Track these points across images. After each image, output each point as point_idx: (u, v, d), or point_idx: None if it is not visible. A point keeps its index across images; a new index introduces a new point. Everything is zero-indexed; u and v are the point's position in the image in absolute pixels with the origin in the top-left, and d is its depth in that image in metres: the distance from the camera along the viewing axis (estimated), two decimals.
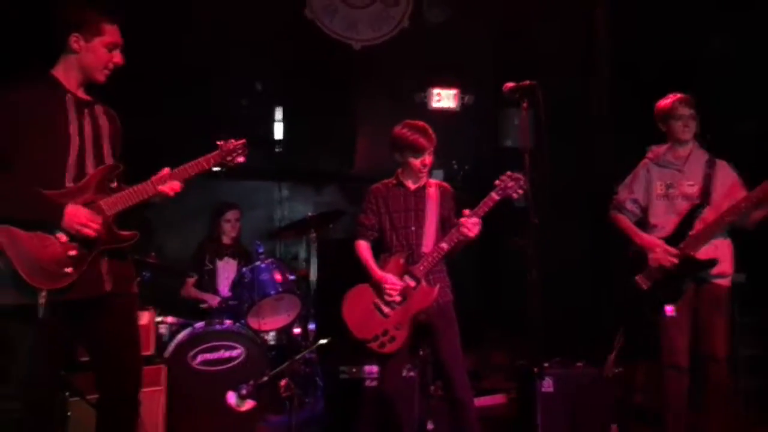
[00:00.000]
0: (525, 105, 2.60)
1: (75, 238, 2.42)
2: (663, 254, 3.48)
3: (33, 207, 2.40)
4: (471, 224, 3.16)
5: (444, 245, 3.24)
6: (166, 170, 2.64)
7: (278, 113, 5.69)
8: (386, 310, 3.25)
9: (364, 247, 3.40)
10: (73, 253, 2.41)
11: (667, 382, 3.52)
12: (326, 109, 5.58)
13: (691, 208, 3.51)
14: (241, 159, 2.72)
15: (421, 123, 3.37)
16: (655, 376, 3.96)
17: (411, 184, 3.40)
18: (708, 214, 3.48)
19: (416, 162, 3.31)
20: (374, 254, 3.41)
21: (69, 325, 2.50)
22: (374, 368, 3.85)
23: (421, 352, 3.42)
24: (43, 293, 2.32)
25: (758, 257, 4.02)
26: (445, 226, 3.36)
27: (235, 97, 5.49)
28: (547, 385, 3.78)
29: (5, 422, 2.41)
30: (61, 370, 2.67)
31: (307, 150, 5.68)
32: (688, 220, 3.50)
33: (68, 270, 2.39)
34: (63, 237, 2.41)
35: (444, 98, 5.77)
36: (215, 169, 2.75)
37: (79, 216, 2.42)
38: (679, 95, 3.59)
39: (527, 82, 2.60)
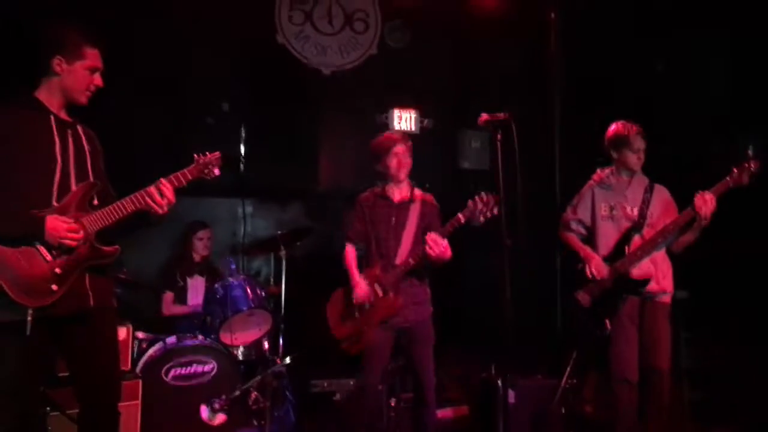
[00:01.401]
0: (499, 137, 2.77)
1: (59, 251, 2.48)
2: (596, 266, 3.68)
3: (16, 222, 2.45)
4: (432, 242, 3.31)
5: (410, 260, 3.44)
6: (151, 188, 2.69)
7: (243, 131, 5.77)
8: (356, 314, 3.47)
9: (350, 253, 3.62)
10: (58, 270, 2.48)
11: (618, 396, 3.66)
12: (290, 128, 5.67)
13: (628, 229, 3.70)
14: (216, 171, 2.81)
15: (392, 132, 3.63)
16: (604, 388, 4.20)
17: (395, 196, 3.57)
18: (647, 234, 3.67)
19: (392, 162, 3.51)
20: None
21: (52, 339, 2.56)
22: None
23: (389, 367, 3.62)
24: (30, 311, 2.38)
25: (699, 275, 4.29)
26: None
27: (202, 115, 5.55)
28: (510, 396, 3.97)
29: None
30: (45, 382, 2.71)
31: (271, 167, 5.75)
32: (624, 241, 3.69)
33: (54, 287, 2.46)
34: (47, 254, 2.47)
35: (404, 120, 5.98)
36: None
37: (58, 227, 2.48)
38: (635, 127, 3.72)
39: (502, 114, 2.78)
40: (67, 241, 2.49)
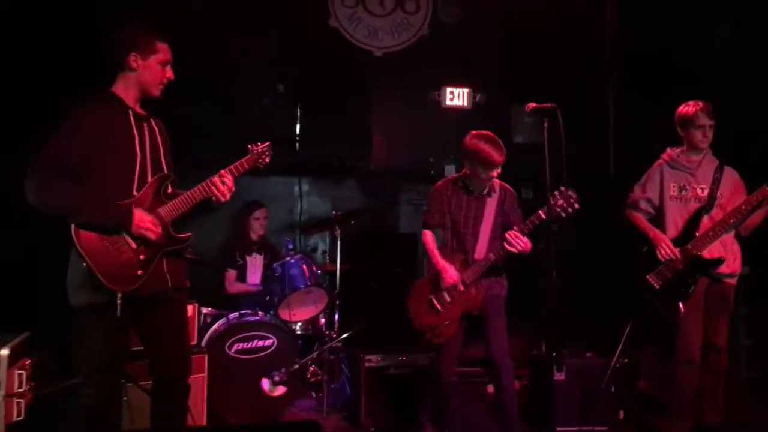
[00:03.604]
0: (546, 125, 2.80)
1: (141, 240, 2.70)
2: (667, 249, 3.68)
3: (109, 213, 2.66)
4: (514, 240, 3.33)
5: (491, 256, 3.48)
6: (215, 178, 2.87)
7: (298, 112, 5.90)
8: (438, 307, 3.54)
9: (429, 237, 3.66)
10: (142, 257, 2.70)
11: (681, 374, 3.71)
12: (344, 108, 5.76)
13: (697, 210, 3.70)
14: (267, 159, 2.99)
15: (491, 135, 3.46)
16: (659, 365, 4.21)
17: (475, 190, 3.57)
18: (716, 215, 3.67)
19: (485, 176, 3.46)
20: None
21: (133, 318, 2.78)
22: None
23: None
24: (120, 294, 2.60)
25: (759, 251, 4.24)
26: (509, 229, 3.47)
27: (258, 97, 5.70)
28: (559, 373, 4.03)
29: (80, 407, 2.69)
30: (126, 358, 2.93)
31: (325, 146, 5.88)
32: (694, 222, 3.69)
33: (139, 272, 2.69)
34: (132, 242, 2.68)
35: (456, 97, 5.99)
36: None
37: (144, 221, 2.70)
38: (701, 104, 3.70)
39: (548, 104, 2.81)
40: (150, 234, 2.70)
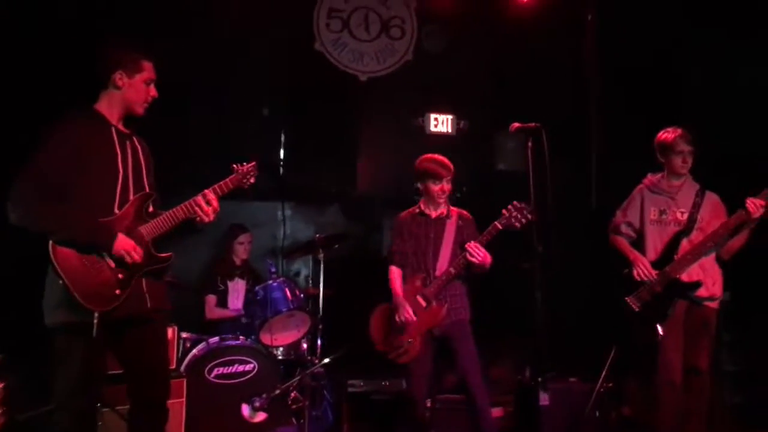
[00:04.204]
0: (529, 144, 2.83)
1: (120, 262, 2.65)
2: (644, 269, 3.69)
3: (91, 233, 2.62)
4: (473, 250, 3.48)
5: (451, 270, 3.57)
6: (198, 198, 2.84)
7: (282, 136, 5.91)
8: (401, 327, 3.58)
9: (394, 273, 3.75)
10: (121, 276, 2.65)
11: (663, 397, 3.70)
12: (328, 133, 5.77)
13: (677, 233, 3.72)
14: (252, 180, 2.97)
15: (438, 156, 3.72)
16: (644, 391, 4.19)
17: (432, 212, 3.73)
18: (695, 238, 3.69)
19: (435, 188, 3.65)
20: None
21: (109, 340, 2.71)
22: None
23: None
24: (96, 313, 2.54)
25: (741, 277, 4.25)
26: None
27: (242, 122, 5.69)
28: (543, 398, 4.00)
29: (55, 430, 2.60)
30: (102, 383, 2.85)
31: (309, 171, 5.87)
32: (673, 245, 3.71)
33: (117, 292, 2.63)
34: (111, 261, 2.64)
35: (441, 123, 6.03)
36: None
37: (126, 244, 2.65)
38: (680, 131, 3.76)
39: (533, 124, 2.84)
40: (128, 257, 2.65)
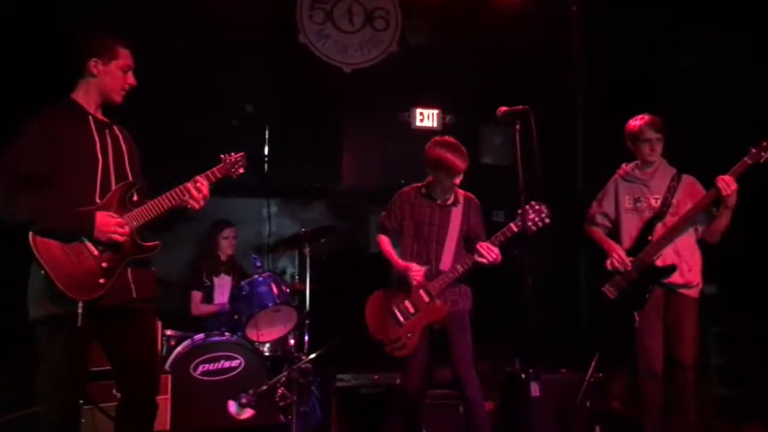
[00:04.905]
0: (517, 127, 2.80)
1: (106, 246, 2.58)
2: (618, 257, 3.66)
3: (68, 220, 2.55)
4: (486, 252, 3.33)
5: (459, 267, 3.43)
6: (188, 184, 2.77)
7: (266, 132, 5.85)
8: (400, 318, 3.46)
9: (385, 241, 3.60)
10: (105, 264, 2.58)
11: (645, 387, 3.67)
12: (313, 128, 5.73)
13: (649, 219, 3.69)
14: (241, 170, 2.91)
15: (454, 141, 3.45)
16: (633, 385, 4.17)
17: (439, 197, 3.53)
18: (670, 222, 3.65)
19: (449, 183, 3.44)
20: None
21: (95, 333, 2.64)
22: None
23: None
24: (80, 303, 2.47)
25: (728, 268, 4.24)
26: (471, 240, 3.50)
27: (227, 118, 5.63)
28: (534, 389, 3.97)
29: (38, 425, 2.53)
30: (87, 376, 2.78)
31: (294, 167, 5.82)
32: (647, 230, 3.68)
33: (101, 281, 2.56)
34: (94, 249, 2.57)
35: (426, 118, 6.01)
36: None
37: (108, 223, 2.58)
38: (646, 118, 3.74)
39: (520, 106, 2.81)
40: (116, 236, 2.58)
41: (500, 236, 3.35)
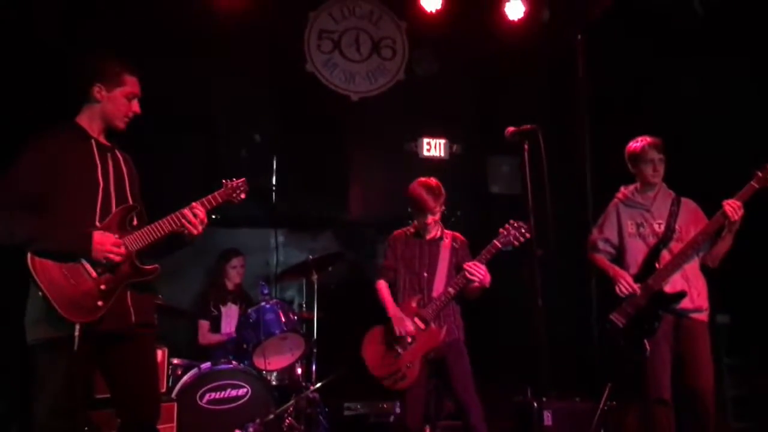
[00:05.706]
0: (526, 147, 2.81)
1: (104, 268, 2.56)
2: (626, 284, 3.59)
3: (66, 239, 2.54)
4: (474, 269, 3.41)
5: (450, 290, 3.49)
6: (185, 210, 2.76)
7: (274, 162, 5.88)
8: (399, 350, 3.48)
9: (383, 286, 3.67)
10: (103, 287, 2.55)
11: (655, 415, 3.56)
12: (320, 157, 5.76)
13: (655, 244, 3.63)
14: (243, 196, 2.90)
15: (432, 182, 3.60)
16: (643, 412, 4.06)
17: (426, 234, 3.66)
18: (675, 248, 3.60)
19: (426, 220, 3.58)
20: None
21: (95, 358, 2.61)
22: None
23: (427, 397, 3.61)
24: (78, 326, 2.44)
25: (741, 298, 4.18)
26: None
27: (235, 148, 5.67)
28: (546, 418, 3.90)
29: None
30: (87, 403, 2.74)
31: (301, 197, 5.83)
32: (653, 257, 3.62)
33: (99, 303, 2.53)
34: (92, 270, 2.54)
35: (433, 147, 6.03)
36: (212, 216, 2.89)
37: (105, 242, 2.56)
38: (648, 139, 3.71)
39: (528, 126, 2.82)
40: (113, 256, 2.56)
41: (486, 254, 3.46)
